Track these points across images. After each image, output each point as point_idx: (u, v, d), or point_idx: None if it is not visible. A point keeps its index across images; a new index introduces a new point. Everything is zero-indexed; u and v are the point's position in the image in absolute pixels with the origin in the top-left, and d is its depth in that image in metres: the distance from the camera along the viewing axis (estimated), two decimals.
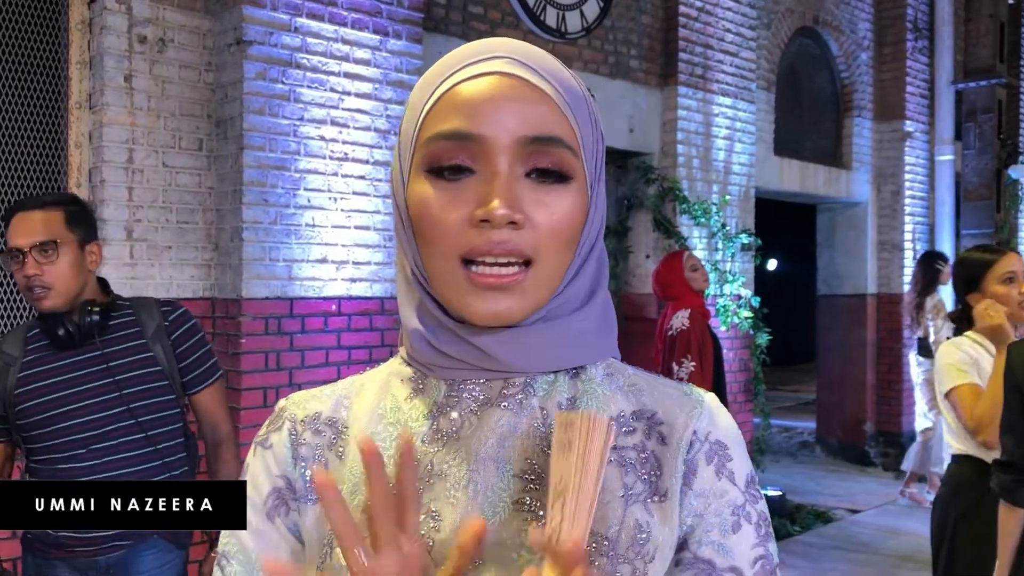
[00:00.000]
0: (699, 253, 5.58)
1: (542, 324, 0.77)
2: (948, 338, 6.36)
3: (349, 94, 3.82)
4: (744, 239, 5.98)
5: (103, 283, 2.28)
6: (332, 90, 3.77)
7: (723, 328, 5.74)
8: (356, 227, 3.85)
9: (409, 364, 0.83)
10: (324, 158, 3.75)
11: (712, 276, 5.62)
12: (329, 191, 3.76)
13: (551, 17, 5.00)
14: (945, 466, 2.87)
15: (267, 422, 0.86)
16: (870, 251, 7.81)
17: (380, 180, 3.91)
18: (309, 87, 3.70)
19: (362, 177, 3.86)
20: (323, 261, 3.75)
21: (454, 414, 0.78)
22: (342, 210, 3.80)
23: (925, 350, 6.31)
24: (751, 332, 6.00)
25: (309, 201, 3.71)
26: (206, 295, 3.68)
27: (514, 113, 0.71)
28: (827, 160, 7.41)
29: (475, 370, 0.78)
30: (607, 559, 0.72)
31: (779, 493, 6.07)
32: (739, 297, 5.92)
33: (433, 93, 0.74)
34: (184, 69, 3.60)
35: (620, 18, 5.45)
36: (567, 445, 0.65)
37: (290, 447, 0.82)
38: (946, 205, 7.64)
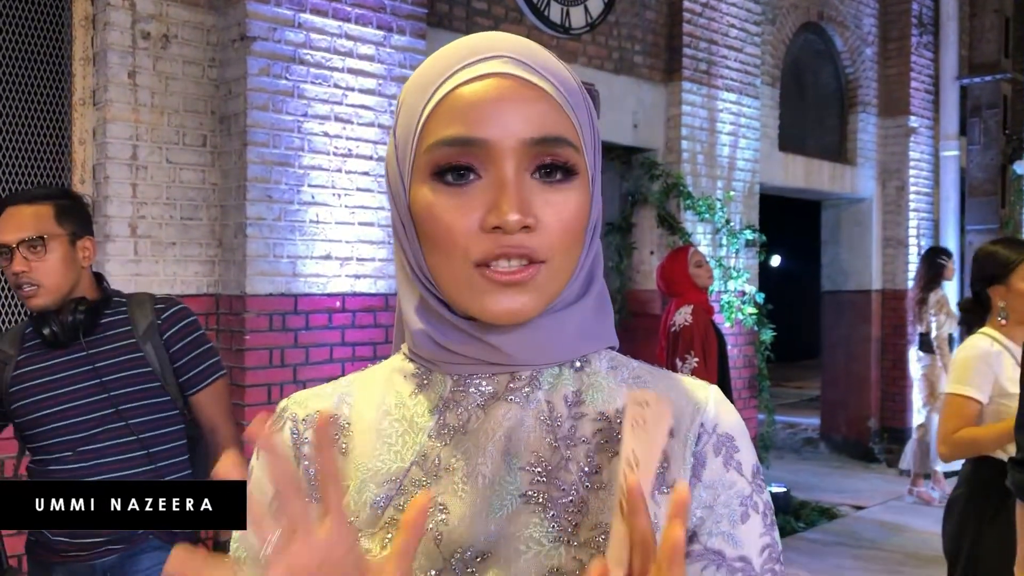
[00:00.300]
0: (703, 249, 5.57)
1: (544, 316, 0.77)
2: (950, 334, 6.37)
3: (353, 90, 3.82)
4: (748, 235, 5.97)
5: (99, 279, 2.21)
6: (336, 86, 3.77)
7: (727, 324, 5.73)
8: (360, 223, 3.85)
9: (412, 360, 0.83)
10: (328, 154, 3.74)
11: (716, 272, 5.61)
12: (333, 187, 3.76)
13: (555, 13, 4.99)
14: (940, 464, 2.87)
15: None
16: (875, 247, 7.80)
17: (384, 176, 3.90)
18: (313, 83, 3.70)
19: (366, 173, 3.86)
20: (327, 257, 3.75)
21: (460, 408, 0.78)
22: (346, 206, 3.80)
23: (926, 345, 6.30)
24: (755, 328, 5.99)
25: (313, 197, 3.70)
26: (210, 292, 3.68)
27: (517, 115, 0.71)
28: (832, 156, 7.39)
29: (480, 365, 0.78)
30: None
31: (784, 490, 6.07)
32: (743, 293, 5.91)
33: (432, 96, 0.73)
34: (188, 65, 3.60)
35: (624, 13, 5.44)
36: (641, 422, 0.67)
37: (292, 447, 0.83)
38: (951, 201, 7.62)
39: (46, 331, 2.05)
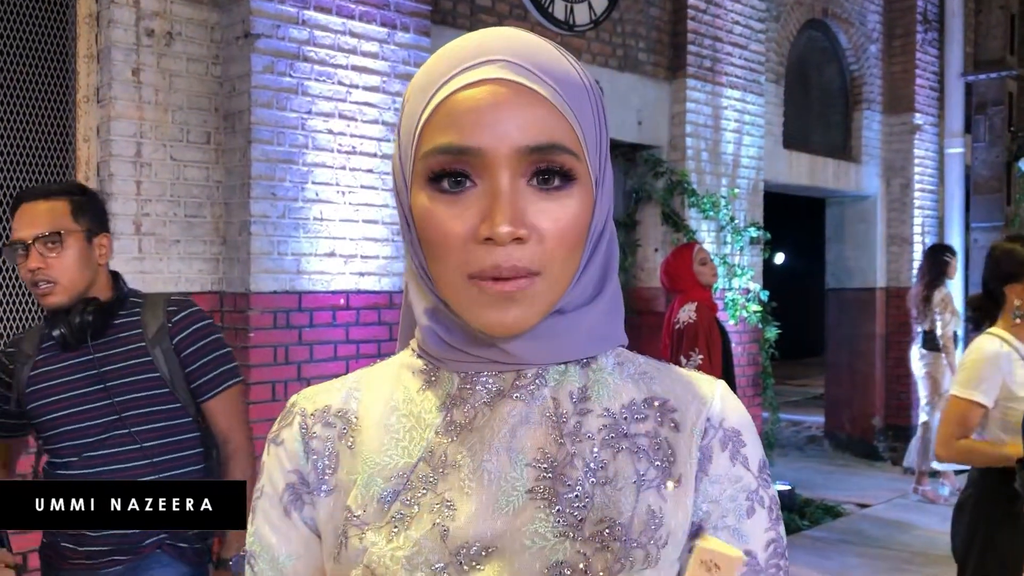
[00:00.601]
0: (708, 247, 5.56)
1: (554, 318, 0.78)
2: (955, 332, 6.35)
3: (357, 87, 3.82)
4: (753, 233, 5.96)
5: (116, 278, 2.14)
6: (340, 83, 3.76)
7: (732, 322, 5.73)
8: (364, 221, 3.84)
9: (420, 356, 0.84)
10: (332, 151, 3.74)
11: (721, 270, 5.61)
12: (337, 185, 3.76)
13: (559, 9, 4.98)
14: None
15: (279, 418, 0.88)
16: (879, 245, 7.79)
17: (388, 174, 3.91)
18: (317, 80, 3.69)
19: (370, 171, 3.86)
20: (331, 255, 3.75)
21: (467, 405, 0.79)
22: (350, 204, 3.80)
23: (930, 343, 6.29)
24: (760, 326, 5.98)
25: (317, 195, 3.70)
26: (214, 289, 3.68)
27: (511, 123, 0.70)
28: (836, 153, 7.38)
29: (487, 363, 0.79)
30: (620, 544, 0.73)
31: (788, 487, 6.06)
32: (748, 291, 5.90)
33: (429, 102, 0.73)
34: (192, 63, 3.60)
35: (628, 10, 5.43)
36: None
37: (301, 441, 0.83)
38: (956, 198, 7.60)
39: (56, 332, 1.99)
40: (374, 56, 3.87)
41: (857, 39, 7.45)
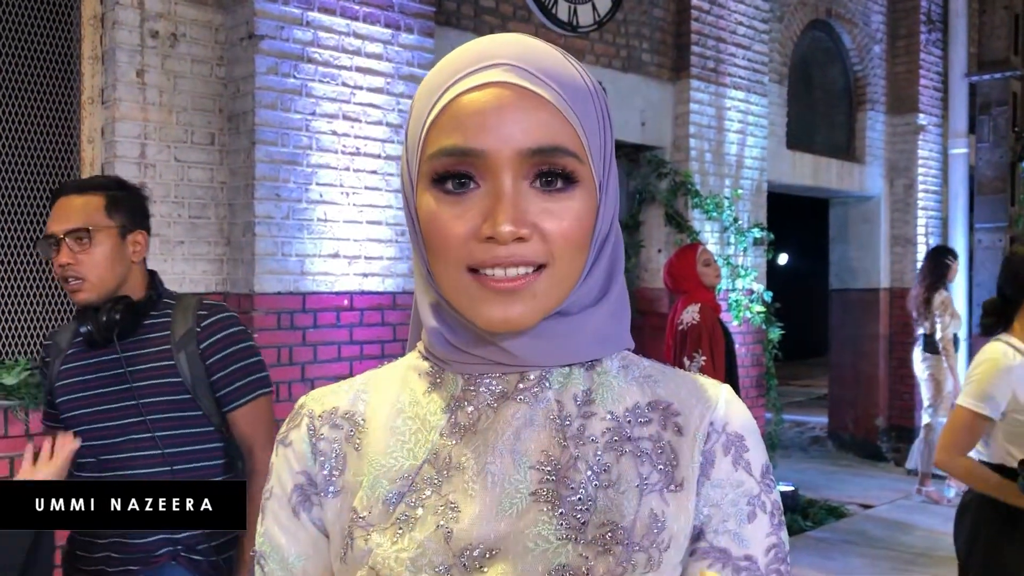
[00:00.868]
0: (711, 247, 5.56)
1: (559, 320, 0.78)
2: (955, 335, 6.33)
3: (361, 88, 3.82)
4: (756, 233, 5.96)
5: (152, 277, 2.07)
6: (344, 84, 3.77)
7: (735, 323, 5.73)
8: (368, 222, 3.85)
9: (426, 358, 0.85)
10: (336, 153, 3.75)
11: (724, 271, 5.60)
12: (341, 186, 3.77)
13: (563, 11, 4.98)
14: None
15: (287, 420, 0.88)
16: (883, 245, 7.78)
17: (392, 175, 3.91)
18: (321, 81, 3.70)
19: (374, 172, 3.87)
20: (335, 256, 3.76)
21: (471, 407, 0.79)
22: (354, 205, 3.81)
23: (931, 346, 6.28)
24: (763, 327, 5.98)
25: (321, 196, 3.71)
26: (218, 290, 3.68)
27: (515, 125, 0.71)
28: (840, 154, 7.38)
29: (491, 364, 0.79)
30: (622, 547, 0.73)
31: (791, 488, 6.06)
32: (751, 292, 5.90)
33: (435, 105, 0.74)
34: (196, 64, 3.60)
35: (632, 11, 5.43)
36: None
37: (309, 443, 0.84)
38: (960, 199, 7.59)
39: (83, 329, 1.95)
40: (378, 57, 3.88)
41: (861, 39, 7.44)
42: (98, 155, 3.48)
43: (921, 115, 7.69)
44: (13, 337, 3.33)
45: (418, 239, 0.78)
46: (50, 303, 3.42)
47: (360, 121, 3.82)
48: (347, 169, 3.78)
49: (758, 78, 6.11)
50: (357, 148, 3.81)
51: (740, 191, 5.90)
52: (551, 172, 0.72)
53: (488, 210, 0.71)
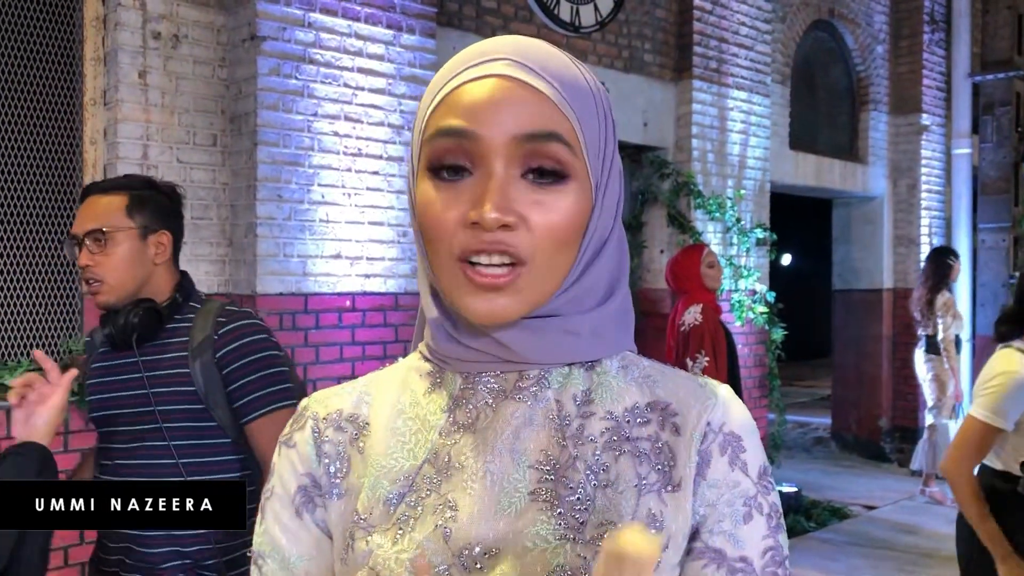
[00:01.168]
0: (714, 248, 5.55)
1: (559, 319, 0.78)
2: (957, 336, 6.30)
3: (363, 89, 3.82)
4: (759, 234, 5.96)
5: (182, 279, 2.02)
6: (346, 85, 3.77)
7: (738, 323, 5.72)
8: (370, 223, 3.85)
9: (428, 359, 0.85)
10: (338, 153, 3.75)
11: (727, 271, 5.60)
12: (343, 187, 3.77)
13: (565, 11, 4.98)
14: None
15: (291, 421, 0.88)
16: (886, 246, 7.77)
17: (394, 175, 3.91)
18: (323, 83, 3.70)
19: (376, 173, 3.87)
20: (337, 257, 3.76)
21: (470, 406, 0.80)
22: (356, 206, 3.81)
23: (933, 347, 6.27)
24: (766, 327, 5.97)
25: (323, 197, 3.71)
26: (220, 291, 3.69)
27: (510, 113, 0.73)
28: (843, 154, 7.37)
29: (491, 363, 0.79)
30: None
31: (794, 489, 6.05)
32: (754, 292, 5.89)
33: (437, 95, 0.76)
34: (198, 65, 3.61)
35: (634, 12, 5.43)
36: None
37: (313, 445, 0.84)
38: (963, 199, 7.58)
39: (106, 332, 1.89)
40: (380, 58, 3.88)
41: (864, 40, 7.43)
42: (100, 157, 3.48)
43: (924, 115, 7.68)
44: (14, 338, 3.33)
45: (417, 229, 0.79)
46: (52, 304, 3.42)
47: (362, 122, 3.82)
48: (349, 170, 3.78)
49: (760, 78, 6.10)
50: (359, 149, 3.81)
51: (743, 192, 5.89)
52: (542, 168, 0.73)
53: (477, 197, 0.72)
